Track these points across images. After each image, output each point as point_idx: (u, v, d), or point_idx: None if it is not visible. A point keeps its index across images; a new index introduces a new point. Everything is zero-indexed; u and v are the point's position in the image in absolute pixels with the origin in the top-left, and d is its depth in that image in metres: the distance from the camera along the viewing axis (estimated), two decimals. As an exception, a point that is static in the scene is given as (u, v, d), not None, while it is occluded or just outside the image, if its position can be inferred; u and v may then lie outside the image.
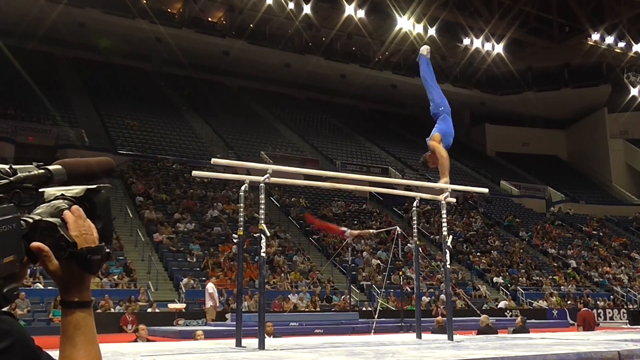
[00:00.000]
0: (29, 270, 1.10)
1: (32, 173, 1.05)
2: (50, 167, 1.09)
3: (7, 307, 1.00)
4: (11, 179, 1.02)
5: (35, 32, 28.51)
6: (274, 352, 4.70)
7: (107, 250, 1.09)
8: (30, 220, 1.03)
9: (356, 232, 14.45)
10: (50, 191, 1.09)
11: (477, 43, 36.06)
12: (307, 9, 31.98)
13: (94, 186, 1.12)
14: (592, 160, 41.73)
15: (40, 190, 1.08)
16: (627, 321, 20.00)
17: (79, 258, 1.05)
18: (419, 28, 33.63)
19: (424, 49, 6.92)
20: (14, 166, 1.05)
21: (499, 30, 35.47)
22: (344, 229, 14.80)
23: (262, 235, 5.16)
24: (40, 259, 1.04)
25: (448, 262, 6.44)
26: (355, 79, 37.78)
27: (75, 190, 1.11)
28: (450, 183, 6.33)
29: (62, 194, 1.09)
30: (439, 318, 12.53)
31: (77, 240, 1.04)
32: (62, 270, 1.06)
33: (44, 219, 1.04)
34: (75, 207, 1.07)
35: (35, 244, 1.02)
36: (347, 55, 38.09)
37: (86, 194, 1.11)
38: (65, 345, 1.07)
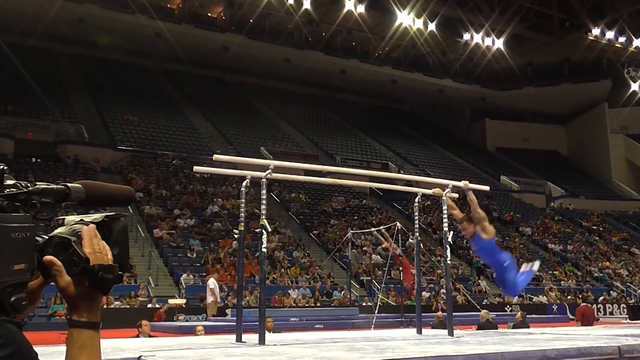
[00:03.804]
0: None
1: (50, 186, 1.07)
2: (70, 184, 1.10)
3: None
4: (29, 189, 1.03)
5: (35, 29, 28.42)
6: (274, 347, 4.70)
7: (120, 272, 1.09)
8: (46, 237, 1.05)
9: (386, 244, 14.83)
10: (69, 218, 1.11)
11: (477, 38, 35.99)
12: (306, 4, 31.91)
13: (113, 214, 1.13)
14: (592, 156, 41.67)
15: (63, 218, 1.10)
16: (627, 316, 19.99)
17: (91, 275, 1.05)
18: (419, 23, 33.59)
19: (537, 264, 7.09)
20: (37, 183, 1.07)
21: (499, 25, 35.39)
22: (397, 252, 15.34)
23: (263, 231, 5.16)
24: (51, 274, 1.04)
25: (448, 258, 6.45)
26: (355, 75, 37.69)
27: (94, 216, 1.11)
28: (450, 179, 6.34)
29: (82, 219, 1.10)
30: (439, 313, 12.55)
31: (90, 257, 1.04)
32: (73, 286, 1.05)
33: (58, 235, 1.06)
34: (91, 225, 1.08)
35: (47, 257, 1.03)
36: (347, 50, 38.00)
37: (105, 220, 1.11)
38: None
